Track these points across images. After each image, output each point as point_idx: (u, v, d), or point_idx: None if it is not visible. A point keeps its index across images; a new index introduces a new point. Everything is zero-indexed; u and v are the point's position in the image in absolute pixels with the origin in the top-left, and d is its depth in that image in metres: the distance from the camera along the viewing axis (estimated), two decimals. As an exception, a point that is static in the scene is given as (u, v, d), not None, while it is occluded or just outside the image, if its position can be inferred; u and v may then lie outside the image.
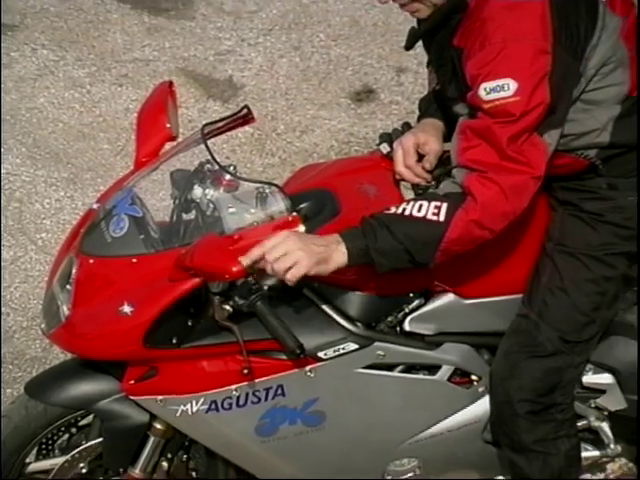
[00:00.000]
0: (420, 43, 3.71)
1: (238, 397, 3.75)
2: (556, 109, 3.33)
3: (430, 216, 3.29)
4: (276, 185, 3.64)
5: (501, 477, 4.13)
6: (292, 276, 3.22)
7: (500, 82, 3.24)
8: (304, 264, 3.22)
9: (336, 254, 3.30)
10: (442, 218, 3.29)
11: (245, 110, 3.81)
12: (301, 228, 3.42)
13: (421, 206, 3.31)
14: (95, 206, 3.88)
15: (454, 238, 3.31)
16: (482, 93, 3.27)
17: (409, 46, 3.74)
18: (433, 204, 3.30)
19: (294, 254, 3.22)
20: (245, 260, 3.22)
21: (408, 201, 3.38)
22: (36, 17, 6.91)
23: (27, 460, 3.97)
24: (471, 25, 3.37)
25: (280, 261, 3.22)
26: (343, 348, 3.72)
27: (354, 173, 3.97)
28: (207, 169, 3.71)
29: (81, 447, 3.96)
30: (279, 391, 3.76)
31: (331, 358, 3.73)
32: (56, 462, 3.98)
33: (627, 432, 4.18)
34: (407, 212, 3.32)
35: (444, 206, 3.29)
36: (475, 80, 3.30)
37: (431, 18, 3.48)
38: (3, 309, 5.24)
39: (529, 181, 3.32)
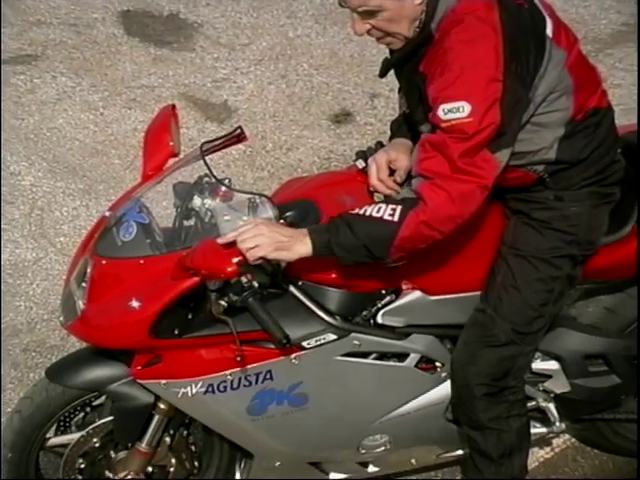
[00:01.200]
0: (392, 72, 3.71)
1: (232, 381, 3.74)
2: (507, 130, 3.32)
3: (386, 216, 3.29)
4: (265, 196, 3.64)
5: (460, 451, 4.12)
6: (251, 255, 3.27)
7: (456, 104, 3.23)
8: (264, 247, 3.27)
9: (299, 244, 3.33)
10: (396, 218, 3.29)
11: (238, 130, 3.81)
12: None
13: (380, 208, 3.32)
14: (107, 214, 3.87)
15: (406, 236, 3.30)
16: (441, 113, 3.26)
17: (382, 74, 3.74)
18: (390, 206, 3.31)
19: (258, 238, 3.26)
20: (222, 239, 3.32)
21: (370, 204, 3.39)
22: (56, 48, 6.89)
23: (47, 435, 3.96)
24: (435, 54, 3.36)
25: (245, 242, 3.26)
26: (324, 338, 3.72)
27: (333, 186, 3.96)
28: (205, 182, 3.71)
29: (94, 424, 3.95)
30: (268, 376, 3.76)
31: (313, 347, 3.72)
32: (73, 437, 3.97)
33: (570, 412, 4.19)
34: (367, 212, 3.33)
35: (399, 208, 3.29)
36: (435, 102, 3.30)
37: (402, 50, 3.49)
38: (26, 304, 5.24)
39: (476, 190, 3.31)
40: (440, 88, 3.29)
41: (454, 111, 3.24)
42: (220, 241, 3.31)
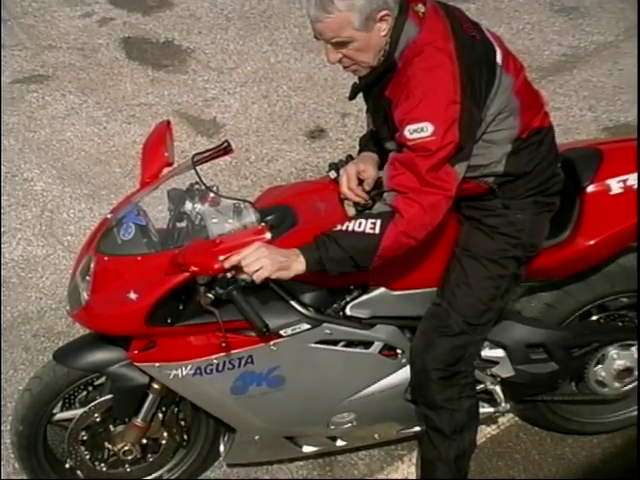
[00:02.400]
0: (360, 94, 3.70)
1: (217, 364, 3.74)
2: (464, 146, 3.34)
3: (368, 230, 3.30)
4: (249, 201, 3.64)
5: (418, 428, 4.12)
6: (258, 277, 3.26)
7: (420, 125, 3.24)
8: (268, 269, 3.25)
9: (295, 264, 3.32)
10: (377, 231, 3.30)
11: (225, 144, 3.80)
12: (268, 235, 3.44)
13: (360, 223, 3.33)
14: (109, 216, 3.86)
15: (387, 246, 3.32)
16: (407, 133, 3.27)
17: (351, 97, 3.73)
18: (370, 221, 3.32)
19: (261, 261, 3.24)
20: (227, 263, 3.27)
21: (350, 220, 3.39)
22: (65, 70, 6.87)
23: (54, 411, 3.95)
24: (399, 81, 3.37)
25: (250, 265, 3.24)
26: (299, 327, 3.72)
27: (309, 193, 3.96)
28: (196, 188, 3.69)
29: (96, 401, 3.95)
30: (249, 360, 3.75)
31: (290, 335, 3.72)
32: (76, 413, 3.96)
33: (514, 394, 4.20)
34: (350, 228, 3.33)
35: (378, 222, 3.30)
36: (401, 123, 3.30)
37: (369, 76, 3.49)
38: (37, 294, 5.24)
39: (442, 200, 3.33)
40: (405, 111, 3.30)
41: (419, 131, 3.25)
42: (226, 265, 3.29)
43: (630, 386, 4.31)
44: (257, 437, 4.06)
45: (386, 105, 3.45)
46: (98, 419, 3.99)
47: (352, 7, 3.22)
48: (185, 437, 4.17)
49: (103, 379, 3.96)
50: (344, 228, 3.36)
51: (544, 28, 7.20)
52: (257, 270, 3.26)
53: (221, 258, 3.33)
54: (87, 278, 3.73)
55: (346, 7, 3.22)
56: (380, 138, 3.64)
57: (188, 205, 3.69)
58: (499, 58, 3.48)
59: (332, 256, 3.33)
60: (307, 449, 4.19)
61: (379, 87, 3.50)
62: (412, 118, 3.27)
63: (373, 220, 3.32)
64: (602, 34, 7.13)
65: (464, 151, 3.36)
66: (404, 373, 3.94)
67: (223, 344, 3.64)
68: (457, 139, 3.28)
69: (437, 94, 3.27)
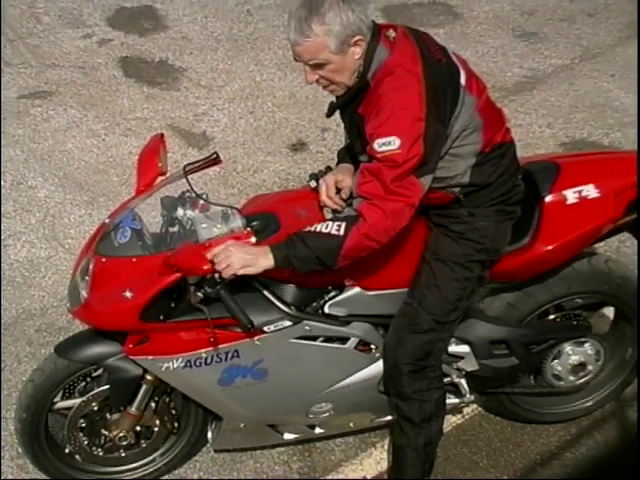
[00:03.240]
0: (337, 112, 3.70)
1: (206, 358, 3.74)
2: (429, 160, 3.36)
3: (333, 231, 3.33)
4: (236, 208, 3.65)
5: (389, 417, 4.11)
6: (225, 273, 3.33)
7: (388, 139, 3.26)
8: (233, 266, 3.31)
9: (263, 259, 3.36)
10: (342, 232, 3.32)
11: (214, 155, 3.79)
12: (253, 239, 3.50)
13: (327, 225, 3.36)
14: (107, 220, 3.85)
15: (350, 247, 3.33)
16: (376, 146, 3.29)
17: (329, 114, 3.73)
18: (336, 223, 3.35)
19: (228, 259, 3.30)
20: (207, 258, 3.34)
21: (320, 220, 3.43)
22: (67, 86, 6.85)
23: (55, 400, 3.94)
24: (370, 99, 3.38)
25: (220, 262, 3.30)
26: (281, 324, 3.72)
27: (291, 201, 3.96)
28: (187, 196, 3.69)
29: (94, 391, 3.95)
30: (235, 354, 3.75)
31: (273, 331, 3.72)
32: (75, 402, 3.96)
33: (478, 386, 4.20)
34: (317, 229, 3.36)
35: (343, 224, 3.33)
36: (372, 137, 3.32)
37: (344, 95, 3.49)
38: (39, 293, 5.22)
39: (405, 207, 3.35)
40: (375, 126, 3.32)
41: (387, 144, 3.27)
42: (208, 256, 3.34)
43: (583, 380, 4.32)
44: (242, 425, 4.05)
45: (359, 121, 3.46)
46: (95, 408, 3.99)
47: (329, 32, 3.24)
48: (176, 425, 4.16)
49: (100, 371, 3.95)
50: (312, 229, 3.38)
51: (507, 52, 7.22)
52: (225, 267, 3.30)
53: (210, 259, 3.36)
54: (86, 278, 3.73)
55: (323, 32, 3.24)
56: (354, 152, 3.65)
57: (180, 211, 3.69)
58: (463, 80, 3.49)
59: (299, 254, 3.35)
60: (288, 436, 4.18)
61: (353, 105, 3.51)
62: (381, 132, 3.29)
63: (339, 223, 3.35)
64: (559, 58, 7.15)
65: (429, 165, 3.38)
66: (377, 367, 3.94)
67: (211, 339, 3.65)
68: (422, 153, 3.30)
69: (404, 111, 3.29)
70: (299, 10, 3.27)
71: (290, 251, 3.35)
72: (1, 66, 7.07)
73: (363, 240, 3.35)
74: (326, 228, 3.35)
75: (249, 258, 3.33)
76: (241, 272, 3.34)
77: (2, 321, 5.04)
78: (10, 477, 4.30)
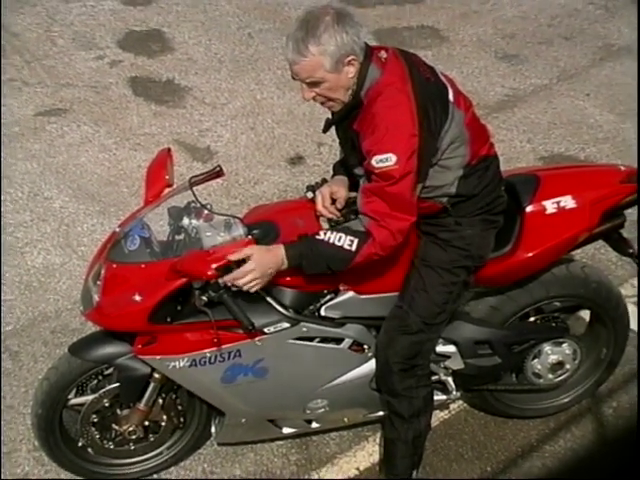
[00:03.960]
0: (333, 128, 3.70)
1: (210, 357, 3.73)
2: (422, 171, 3.37)
3: (346, 246, 3.37)
4: (238, 217, 3.64)
5: (381, 412, 4.10)
6: (250, 288, 3.40)
7: (385, 156, 3.26)
8: (259, 283, 3.40)
9: (280, 264, 3.40)
10: (354, 249, 3.37)
11: (218, 168, 3.78)
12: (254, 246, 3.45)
13: (340, 237, 3.38)
14: (117, 229, 3.85)
15: (359, 261, 3.40)
16: (373, 163, 3.29)
17: (325, 130, 3.74)
18: (348, 238, 3.38)
19: (256, 280, 3.37)
20: (227, 277, 3.35)
21: (332, 231, 3.43)
22: (80, 104, 6.84)
23: (69, 397, 3.93)
24: (365, 116, 3.38)
25: (245, 284, 3.38)
26: (280, 326, 3.71)
27: (289, 211, 3.95)
28: (192, 206, 3.68)
29: (105, 389, 3.94)
30: (237, 354, 3.74)
31: (272, 332, 3.71)
32: (88, 398, 3.95)
33: (463, 384, 4.19)
34: (331, 240, 3.38)
35: (355, 241, 3.37)
36: (369, 154, 3.32)
37: (340, 112, 3.49)
38: (54, 297, 5.21)
39: (407, 226, 3.40)
40: (372, 144, 3.32)
41: (384, 161, 3.27)
42: (227, 278, 3.36)
43: (561, 377, 4.31)
44: (243, 420, 4.04)
45: (355, 137, 3.46)
46: (107, 404, 3.98)
47: (324, 52, 3.24)
48: (181, 420, 4.15)
49: (111, 369, 3.94)
50: (326, 238, 3.39)
51: (489, 72, 7.22)
52: (252, 284, 3.37)
53: (214, 266, 3.33)
54: (98, 283, 3.72)
55: (319, 52, 3.24)
56: (349, 165, 3.65)
57: (185, 220, 3.69)
58: (451, 96, 3.50)
59: (312, 260, 3.40)
60: (286, 430, 4.17)
61: (348, 121, 3.51)
62: (378, 150, 3.29)
63: (351, 238, 3.38)
64: (538, 78, 7.16)
65: (421, 175, 3.38)
66: (370, 365, 3.93)
67: (215, 340, 3.64)
68: (416, 167, 3.31)
69: (398, 129, 3.29)
70: (296, 32, 3.28)
71: (304, 255, 3.39)
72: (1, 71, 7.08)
73: (372, 256, 3.42)
74: (339, 241, 3.38)
75: (272, 268, 3.38)
76: (266, 283, 3.44)
77: (20, 323, 5.03)
78: (27, 469, 4.29)
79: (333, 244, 3.38)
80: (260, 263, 3.35)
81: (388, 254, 3.45)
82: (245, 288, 3.37)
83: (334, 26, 3.26)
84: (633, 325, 4.52)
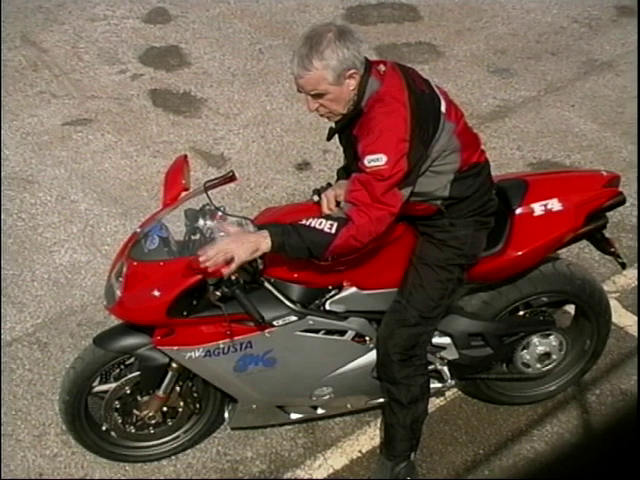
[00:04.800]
0: (336, 136, 3.70)
1: (223, 348, 3.73)
2: (410, 175, 3.37)
3: (326, 229, 3.33)
4: (249, 219, 3.62)
5: (381, 399, 4.08)
6: (229, 268, 3.32)
7: (377, 156, 3.28)
8: (241, 256, 3.31)
9: (263, 244, 3.34)
10: (333, 231, 3.33)
11: (231, 173, 3.79)
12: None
13: (321, 222, 3.35)
14: (138, 230, 3.84)
15: (338, 244, 3.34)
16: (365, 162, 3.30)
17: (328, 138, 3.73)
18: (329, 222, 3.34)
19: (230, 253, 3.30)
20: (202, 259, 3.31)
21: (315, 217, 3.41)
22: (104, 115, 6.83)
23: (93, 384, 3.94)
24: (363, 122, 3.39)
25: (220, 261, 3.30)
26: (288, 319, 3.71)
27: (297, 213, 3.91)
28: (207, 208, 3.67)
29: (127, 377, 3.95)
30: (249, 345, 3.74)
31: (281, 325, 3.71)
32: (111, 386, 3.96)
33: (458, 373, 4.18)
34: (312, 224, 3.36)
35: (335, 224, 3.33)
36: (362, 154, 3.33)
37: (342, 121, 3.50)
38: (80, 292, 5.21)
39: (387, 215, 3.36)
40: (366, 145, 3.33)
41: (375, 160, 3.28)
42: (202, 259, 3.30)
43: (548, 367, 4.31)
44: (254, 406, 4.03)
45: (354, 141, 3.46)
46: (128, 391, 3.99)
47: (327, 66, 3.27)
48: (197, 406, 4.15)
49: (132, 359, 3.94)
50: (307, 222, 3.37)
51: (482, 85, 7.20)
52: (230, 261, 3.29)
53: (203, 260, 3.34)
54: (120, 279, 3.72)
55: (322, 66, 3.26)
56: (351, 170, 3.63)
57: (201, 222, 3.67)
58: (443, 108, 3.50)
59: (292, 243, 3.34)
60: (294, 416, 4.16)
61: (349, 128, 3.51)
62: (370, 150, 3.30)
63: (331, 222, 3.34)
64: (527, 90, 7.14)
65: (410, 178, 3.38)
66: (371, 356, 3.92)
67: (228, 332, 3.65)
68: (405, 169, 3.32)
69: (391, 133, 3.30)
70: (301, 48, 3.30)
71: (285, 239, 3.34)
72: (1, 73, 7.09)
73: (350, 240, 3.35)
74: (320, 225, 3.35)
75: (251, 245, 3.32)
76: (249, 258, 3.35)
77: (49, 317, 5.04)
78: (56, 450, 4.30)
79: (314, 227, 3.35)
80: (236, 237, 3.36)
81: (366, 241, 3.40)
82: (214, 263, 3.29)
83: (336, 42, 3.27)
84: (615, 319, 4.51)
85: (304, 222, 3.38)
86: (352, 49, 3.31)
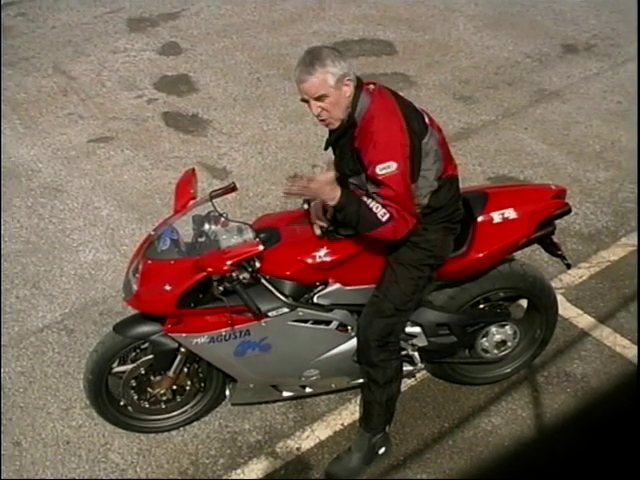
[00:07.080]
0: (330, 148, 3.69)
1: (225, 335, 3.71)
2: (413, 171, 3.42)
3: (379, 215, 3.35)
4: (248, 224, 3.63)
5: (361, 380, 4.06)
6: (312, 192, 3.43)
7: (387, 164, 3.29)
8: (320, 197, 3.48)
9: (335, 198, 3.40)
10: (384, 220, 3.35)
11: (232, 184, 3.76)
12: (260, 247, 3.46)
13: (378, 207, 3.35)
14: (152, 232, 3.84)
15: (379, 232, 3.39)
16: (377, 170, 3.30)
17: (326, 148, 3.71)
18: (383, 210, 3.35)
19: (317, 192, 3.42)
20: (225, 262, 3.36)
21: (373, 198, 3.39)
22: (123, 133, 6.80)
23: (113, 365, 3.93)
24: (365, 136, 3.36)
25: (318, 191, 3.40)
26: (281, 311, 3.69)
27: (289, 219, 3.93)
28: (212, 215, 3.67)
29: (141, 359, 3.94)
30: (247, 333, 3.72)
31: (275, 316, 3.69)
32: (128, 367, 3.95)
33: (427, 357, 4.17)
34: (371, 205, 3.36)
35: (387, 216, 3.35)
36: (371, 164, 3.32)
37: (337, 131, 3.49)
38: (102, 286, 5.19)
39: (412, 225, 3.45)
40: (374, 155, 3.32)
41: (387, 168, 3.29)
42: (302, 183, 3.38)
43: (504, 352, 4.29)
44: (252, 385, 4.02)
45: (356, 154, 3.43)
46: (143, 372, 3.97)
47: (328, 72, 3.29)
48: (202, 385, 4.13)
49: (147, 344, 3.91)
50: (369, 202, 3.38)
51: (449, 110, 7.19)
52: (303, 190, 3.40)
53: (228, 263, 3.38)
54: (136, 275, 3.71)
55: (324, 71, 3.29)
56: (345, 174, 3.58)
57: (206, 226, 3.67)
58: (427, 120, 3.54)
59: (350, 210, 3.38)
60: (286, 394, 4.14)
61: (345, 140, 3.49)
62: (380, 160, 3.30)
63: (384, 212, 3.35)
64: (487, 115, 7.13)
65: (414, 175, 3.43)
66: (352, 342, 3.91)
67: (229, 321, 3.63)
68: (410, 168, 3.36)
69: (395, 142, 3.32)
70: (305, 58, 3.33)
71: (348, 206, 3.38)
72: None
73: (388, 235, 3.40)
74: (377, 209, 3.35)
75: (330, 195, 3.39)
76: (324, 200, 3.46)
77: (75, 307, 5.02)
78: (80, 422, 4.29)
79: (371, 208, 3.35)
80: (321, 186, 3.39)
81: (392, 239, 3.45)
82: (297, 190, 3.38)
83: (334, 53, 3.34)
84: (561, 311, 4.51)
85: (365, 200, 3.39)
86: (346, 61, 3.36)
